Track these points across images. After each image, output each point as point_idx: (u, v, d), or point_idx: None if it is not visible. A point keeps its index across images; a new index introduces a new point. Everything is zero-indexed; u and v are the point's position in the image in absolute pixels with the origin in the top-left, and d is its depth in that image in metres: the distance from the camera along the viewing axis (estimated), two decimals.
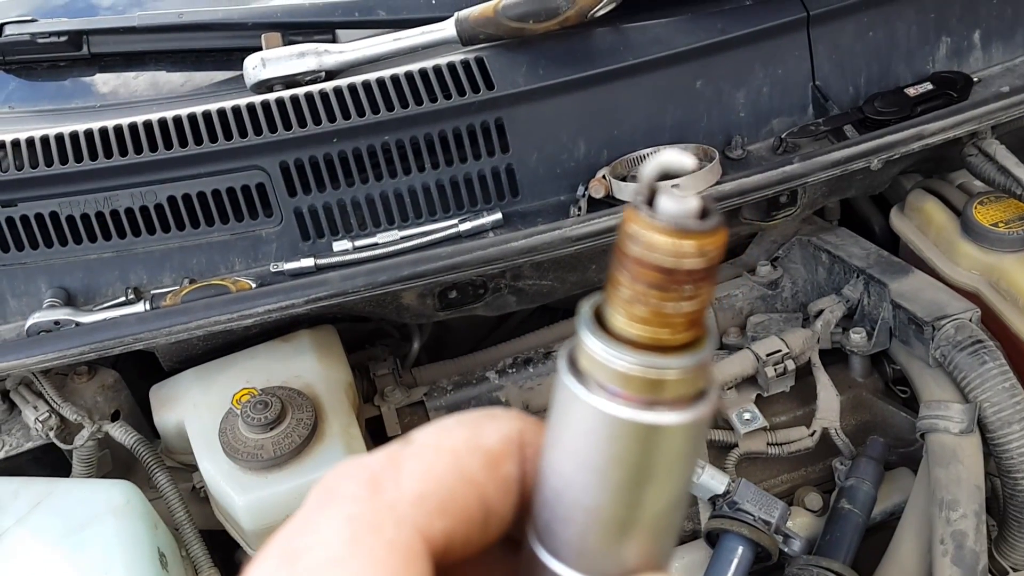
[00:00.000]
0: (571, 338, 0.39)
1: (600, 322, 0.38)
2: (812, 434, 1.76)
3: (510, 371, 1.91)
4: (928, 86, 1.80)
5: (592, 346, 0.37)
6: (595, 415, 0.38)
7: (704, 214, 0.36)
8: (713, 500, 1.65)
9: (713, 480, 1.64)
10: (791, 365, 1.81)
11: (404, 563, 0.38)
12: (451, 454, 0.41)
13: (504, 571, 0.46)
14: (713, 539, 1.64)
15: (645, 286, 0.36)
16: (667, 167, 0.37)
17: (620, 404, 0.37)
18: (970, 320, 1.69)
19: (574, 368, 0.39)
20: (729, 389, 1.82)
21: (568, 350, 0.39)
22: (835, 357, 1.89)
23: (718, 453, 1.76)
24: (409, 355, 2.00)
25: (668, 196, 0.36)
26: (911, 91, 1.79)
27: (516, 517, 0.43)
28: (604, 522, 0.40)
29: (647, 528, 0.40)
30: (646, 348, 0.37)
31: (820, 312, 1.87)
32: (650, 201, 0.37)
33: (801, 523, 1.69)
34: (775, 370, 1.80)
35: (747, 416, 1.78)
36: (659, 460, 0.38)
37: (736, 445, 1.76)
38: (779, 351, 1.80)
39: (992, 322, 1.74)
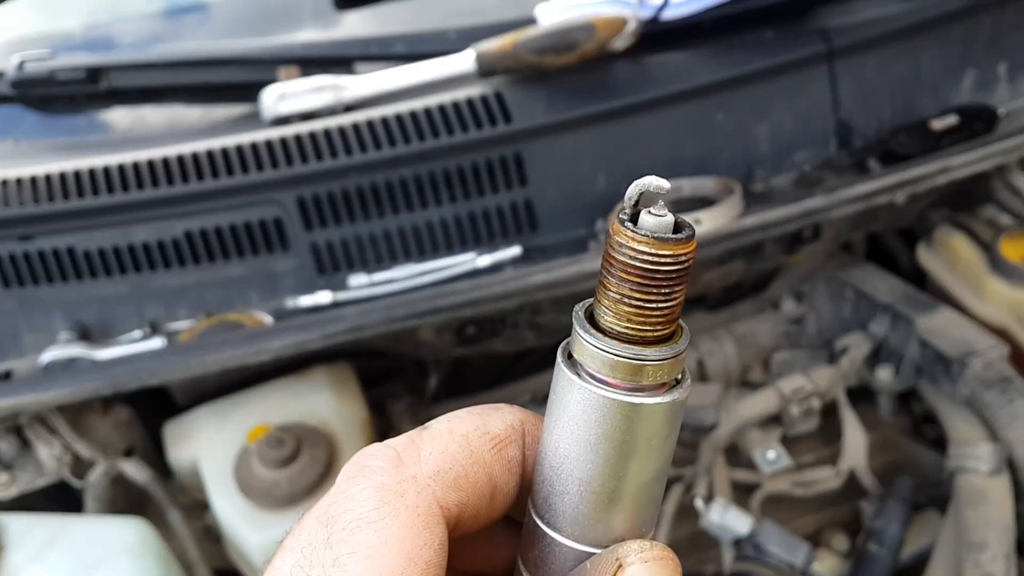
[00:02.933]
0: (568, 336, 0.46)
1: (591, 320, 0.45)
2: (838, 474, 1.72)
3: (530, 407, 1.88)
4: (953, 119, 1.77)
5: (585, 339, 0.44)
6: (588, 397, 0.45)
7: (678, 228, 0.43)
8: (737, 542, 1.61)
9: (737, 521, 1.60)
10: (816, 403, 1.77)
11: (424, 524, 0.44)
12: (463, 437, 0.48)
13: (505, 545, 0.54)
14: None
15: (629, 287, 0.43)
16: (646, 187, 0.43)
17: (608, 388, 0.45)
18: (998, 357, 1.66)
19: (569, 359, 0.46)
20: (752, 428, 1.79)
21: (564, 344, 0.47)
22: (861, 395, 1.85)
23: (742, 494, 1.72)
24: (426, 391, 1.98)
25: (647, 213, 0.43)
26: (936, 124, 1.76)
27: (518, 496, 0.50)
28: (595, 493, 0.47)
29: (632, 499, 0.47)
30: (630, 341, 0.44)
31: (846, 349, 1.83)
32: (634, 218, 0.43)
33: (827, 565, 1.65)
34: (800, 408, 1.76)
35: (771, 456, 1.75)
36: (642, 436, 0.45)
37: (760, 485, 1.73)
38: (804, 389, 1.76)
39: (1021, 359, 1.70)
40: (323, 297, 1.65)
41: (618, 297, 0.43)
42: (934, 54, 1.83)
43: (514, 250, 1.68)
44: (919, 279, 1.95)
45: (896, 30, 1.80)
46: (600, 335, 0.44)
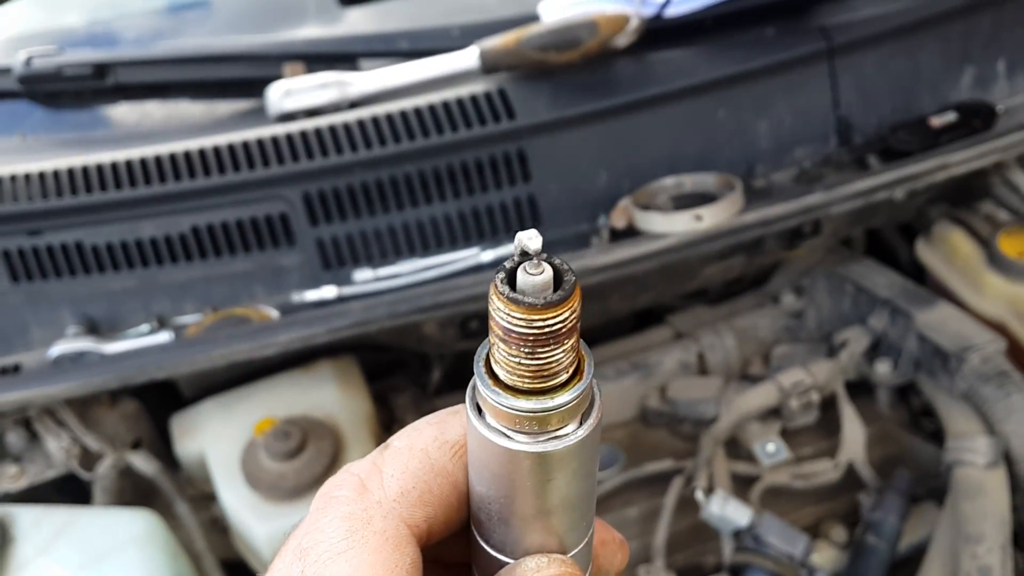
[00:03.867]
0: (472, 380, 0.46)
1: (490, 368, 0.44)
2: (837, 467, 1.74)
3: None
4: (952, 116, 1.79)
5: (484, 392, 0.44)
6: (490, 445, 0.44)
7: (558, 284, 0.41)
8: (736, 533, 1.63)
9: (736, 513, 1.62)
10: (816, 397, 1.79)
11: (394, 547, 0.45)
12: (423, 452, 0.48)
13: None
14: (737, 572, 1.62)
15: (509, 346, 0.42)
16: (522, 244, 0.41)
17: (508, 438, 0.44)
18: (996, 352, 1.68)
19: (476, 407, 0.45)
20: (752, 421, 1.81)
21: (471, 391, 0.46)
22: (860, 389, 1.87)
23: (742, 486, 1.74)
24: (429, 384, 1.99)
25: (523, 271, 0.41)
26: (935, 121, 1.78)
27: None
28: (509, 517, 0.47)
29: (546, 521, 0.47)
30: (524, 393, 0.43)
31: (845, 343, 1.85)
32: (511, 275, 0.41)
33: (825, 557, 1.67)
34: (799, 402, 1.78)
35: (771, 448, 1.76)
36: (555, 475, 0.45)
37: (760, 478, 1.75)
38: (803, 382, 1.78)
39: (1018, 353, 1.72)
40: (328, 292, 1.67)
41: (503, 354, 0.42)
42: (933, 51, 1.84)
43: None
44: (918, 274, 1.96)
45: (896, 27, 1.82)
46: (495, 387, 0.43)
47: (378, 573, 0.44)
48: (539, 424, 0.43)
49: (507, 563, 0.49)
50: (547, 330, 0.41)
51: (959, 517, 1.56)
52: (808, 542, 1.59)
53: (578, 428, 0.44)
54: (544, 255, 0.41)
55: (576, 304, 0.41)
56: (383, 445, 0.50)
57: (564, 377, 0.43)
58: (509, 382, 0.43)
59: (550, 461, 0.44)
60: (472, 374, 0.46)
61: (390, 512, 0.47)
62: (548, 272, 0.41)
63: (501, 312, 0.41)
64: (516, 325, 0.41)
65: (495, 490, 0.47)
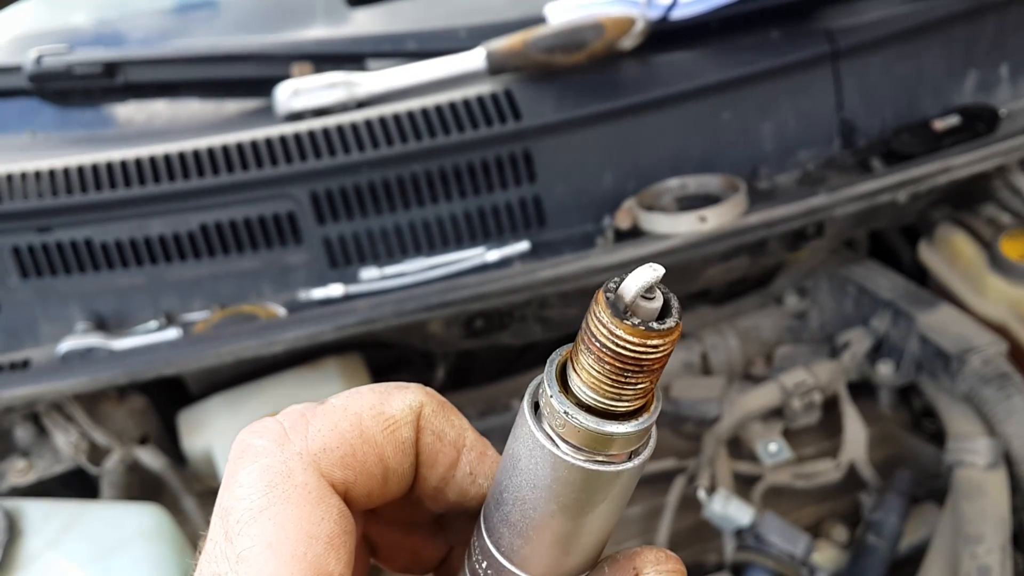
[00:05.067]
0: (537, 379, 0.46)
1: (563, 375, 0.44)
2: (838, 467, 1.76)
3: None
4: (955, 119, 1.80)
5: (553, 400, 0.43)
6: (545, 454, 0.44)
7: (665, 313, 0.42)
8: (738, 532, 1.65)
9: (738, 512, 1.63)
10: (818, 397, 1.80)
11: (317, 499, 0.44)
12: (356, 416, 0.47)
13: (431, 546, 0.56)
14: (738, 571, 1.63)
15: (600, 364, 0.42)
16: (643, 280, 0.41)
17: (566, 451, 0.44)
18: (997, 354, 1.69)
19: (535, 409, 0.45)
20: (755, 421, 1.82)
21: (533, 390, 0.46)
22: (862, 390, 1.88)
23: (744, 485, 1.76)
24: (433, 382, 2.01)
25: (637, 296, 0.41)
26: (938, 124, 1.79)
27: (412, 476, 0.50)
28: (540, 534, 0.47)
29: (573, 545, 0.48)
30: (595, 412, 0.43)
31: (847, 344, 1.87)
32: (621, 295, 0.42)
33: (826, 556, 1.68)
34: (802, 402, 1.79)
35: (773, 448, 1.78)
36: (592, 498, 0.45)
37: (762, 477, 1.76)
38: (806, 383, 1.80)
39: (1019, 355, 1.73)
40: (335, 290, 1.68)
41: (589, 368, 0.42)
42: (937, 55, 1.86)
43: (522, 245, 1.71)
44: (920, 276, 1.98)
45: (900, 31, 1.83)
46: (569, 400, 0.43)
47: (304, 527, 0.43)
48: (596, 444, 0.44)
49: (508, 567, 0.49)
50: (648, 355, 0.41)
51: (959, 517, 1.57)
52: (809, 541, 1.61)
53: (630, 459, 0.45)
54: (662, 286, 0.42)
55: (676, 338, 0.42)
56: (319, 401, 0.49)
57: (638, 405, 0.44)
58: (587, 399, 0.43)
59: (594, 483, 0.45)
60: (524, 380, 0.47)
61: (310, 465, 0.45)
62: (659, 301, 0.41)
63: (606, 328, 0.41)
64: (619, 345, 0.41)
65: (531, 501, 0.46)
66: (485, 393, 1.98)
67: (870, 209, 1.74)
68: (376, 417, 0.48)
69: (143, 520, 1.52)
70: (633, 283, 0.41)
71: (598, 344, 0.41)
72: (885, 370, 1.83)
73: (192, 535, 1.61)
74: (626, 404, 0.43)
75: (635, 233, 1.69)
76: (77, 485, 1.72)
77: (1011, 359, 1.70)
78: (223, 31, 2.24)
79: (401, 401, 0.49)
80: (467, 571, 0.52)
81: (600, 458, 0.44)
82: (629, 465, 0.45)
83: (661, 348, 0.41)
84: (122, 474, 1.67)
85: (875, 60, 1.82)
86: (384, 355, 1.97)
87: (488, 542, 0.50)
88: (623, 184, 1.76)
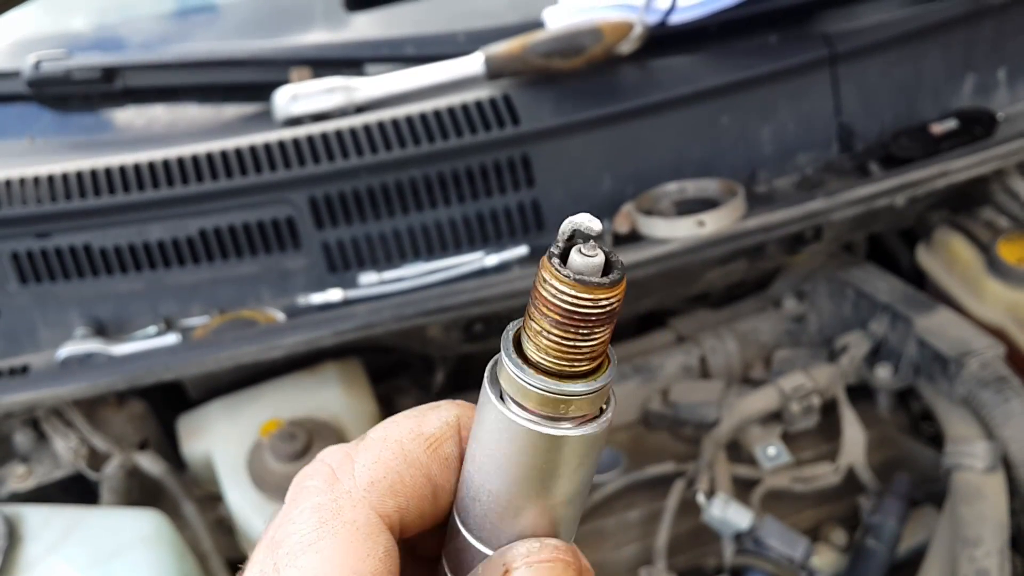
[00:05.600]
0: (497, 356, 0.47)
1: (517, 345, 0.45)
2: (837, 470, 1.76)
3: None
4: (953, 123, 1.80)
5: (508, 366, 0.45)
6: (506, 423, 0.45)
7: (608, 270, 0.43)
8: (737, 536, 1.65)
9: (737, 516, 1.63)
10: (816, 401, 1.81)
11: (365, 536, 0.46)
12: (397, 443, 0.49)
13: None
14: (738, 574, 1.64)
15: (551, 324, 0.43)
16: (578, 226, 0.43)
17: (525, 417, 0.45)
18: (995, 357, 1.69)
19: (494, 381, 0.46)
20: (754, 425, 1.82)
21: (493, 362, 0.47)
22: (860, 393, 1.89)
23: (743, 489, 1.76)
24: (432, 387, 2.01)
25: (577, 252, 0.43)
26: (936, 128, 1.80)
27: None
28: (503, 505, 0.48)
29: (539, 515, 0.48)
30: (551, 374, 0.44)
31: (846, 347, 1.87)
32: (564, 254, 0.43)
33: (826, 559, 1.69)
34: (800, 406, 1.80)
35: (772, 452, 1.78)
36: (554, 463, 0.46)
37: (761, 481, 1.76)
38: (804, 386, 1.80)
39: (1017, 359, 1.74)
40: (334, 295, 1.68)
41: (540, 330, 0.43)
42: (935, 59, 1.86)
43: (521, 250, 1.71)
44: (918, 280, 1.98)
45: (898, 35, 1.83)
46: (523, 364, 0.44)
47: (349, 563, 0.45)
48: (554, 407, 0.45)
49: (482, 551, 0.50)
50: (595, 310, 0.42)
51: (958, 521, 1.57)
52: (808, 545, 1.61)
53: (596, 420, 0.46)
54: (600, 240, 0.43)
55: (623, 291, 0.43)
56: (360, 436, 0.51)
57: (593, 365, 0.45)
58: (541, 362, 0.44)
59: (555, 447, 0.46)
60: (478, 371, 0.47)
61: (360, 501, 0.47)
62: (601, 256, 0.43)
63: (552, 287, 0.42)
64: (565, 302, 0.42)
65: (498, 476, 0.47)
66: None
67: (868, 213, 1.74)
68: (416, 439, 0.49)
69: (143, 525, 1.52)
70: (567, 224, 0.43)
71: (545, 304, 0.43)
72: (883, 373, 1.83)
73: (192, 540, 1.62)
74: (580, 364, 0.44)
75: (634, 237, 1.69)
76: (77, 491, 1.72)
77: (1009, 363, 1.71)
78: (222, 36, 2.25)
79: (437, 419, 0.50)
80: (443, 558, 0.53)
81: (562, 423, 0.45)
82: (582, 431, 0.46)
83: (606, 302, 0.42)
84: (122, 479, 1.67)
85: (873, 64, 1.83)
86: (383, 359, 1.98)
87: (457, 520, 0.51)
88: (622, 188, 1.76)
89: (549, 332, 0.43)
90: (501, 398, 0.46)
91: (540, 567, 0.47)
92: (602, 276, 0.43)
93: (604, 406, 0.47)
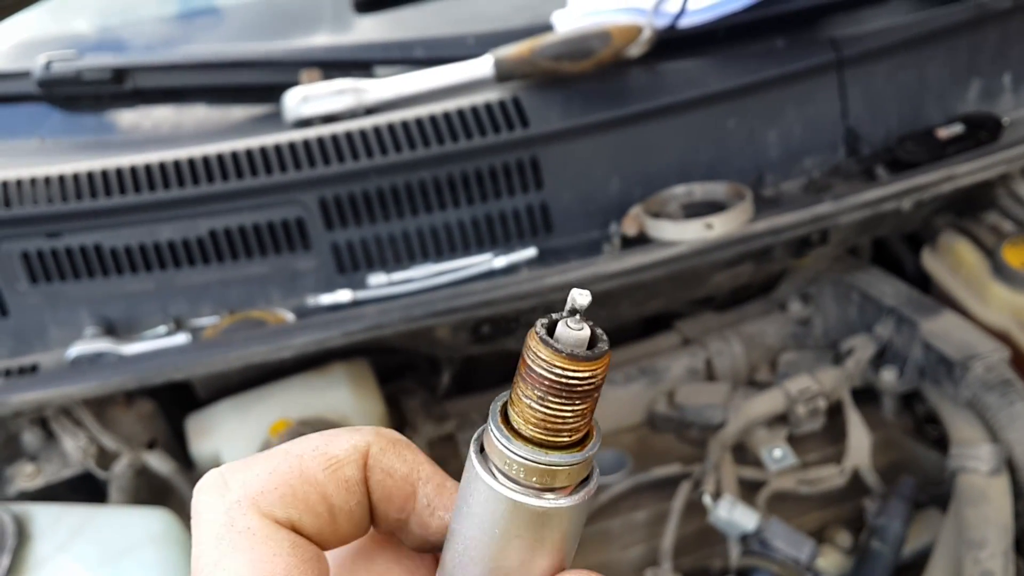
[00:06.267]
0: (484, 426, 0.47)
1: (505, 417, 0.46)
2: (842, 473, 1.77)
3: None
4: (959, 127, 1.81)
5: (496, 437, 0.46)
6: (493, 495, 0.46)
7: (593, 343, 0.44)
8: (743, 537, 1.66)
9: (744, 517, 1.64)
10: (822, 403, 1.81)
11: (264, 539, 0.45)
12: (296, 457, 0.48)
13: None
14: None
15: (538, 395, 0.44)
16: (573, 302, 0.44)
17: (513, 489, 0.46)
18: (1000, 361, 1.70)
19: (481, 452, 0.47)
20: (759, 427, 1.83)
21: (478, 434, 0.48)
22: (866, 396, 1.90)
23: (748, 491, 1.77)
24: (439, 388, 2.02)
25: (564, 326, 0.44)
26: (942, 132, 1.81)
27: (367, 515, 0.51)
28: (485, 572, 0.48)
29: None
30: (537, 445, 0.45)
31: (851, 350, 1.88)
32: (551, 327, 0.44)
33: (831, 561, 1.69)
34: (806, 408, 1.80)
35: (777, 454, 1.79)
36: (543, 533, 0.47)
37: (766, 483, 1.77)
38: (810, 389, 1.81)
39: (1022, 362, 1.75)
40: (343, 296, 1.69)
41: (528, 402, 0.44)
42: (941, 64, 1.87)
43: (530, 251, 1.72)
44: (923, 283, 1.99)
45: (904, 40, 1.84)
46: (510, 435, 0.45)
47: (257, 569, 0.44)
48: (547, 479, 0.46)
49: None
50: (582, 382, 0.44)
51: (962, 523, 1.58)
52: (814, 547, 1.62)
53: (579, 490, 0.47)
54: (586, 317, 0.44)
55: (606, 366, 0.45)
56: (265, 450, 0.50)
57: (578, 436, 0.46)
58: (527, 433, 0.45)
59: (544, 518, 0.47)
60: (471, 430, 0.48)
61: (250, 508, 0.46)
62: (587, 331, 0.44)
63: (539, 358, 0.44)
64: (554, 374, 0.44)
65: (481, 544, 0.48)
66: (489, 398, 1.98)
67: (875, 217, 1.75)
68: (318, 457, 0.49)
69: (152, 524, 1.52)
70: (566, 312, 0.44)
71: (533, 375, 0.44)
72: (888, 376, 1.84)
73: None
74: (566, 436, 0.45)
75: (642, 240, 1.70)
76: (85, 489, 1.72)
77: (1014, 366, 1.72)
78: (225, 39, 2.25)
79: (346, 442, 0.50)
80: None
81: (545, 494, 0.46)
82: (569, 501, 0.47)
83: (592, 375, 0.44)
84: (130, 478, 1.68)
85: (880, 69, 1.84)
86: (389, 360, 1.98)
87: None
88: (630, 191, 1.77)
89: (536, 403, 0.44)
90: (487, 468, 0.47)
91: None
92: (588, 349, 0.44)
93: (588, 476, 0.48)
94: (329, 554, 0.50)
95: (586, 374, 0.44)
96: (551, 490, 0.46)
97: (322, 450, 0.49)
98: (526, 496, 0.46)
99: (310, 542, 0.47)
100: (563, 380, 0.44)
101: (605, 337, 0.45)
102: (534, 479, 0.46)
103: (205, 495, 0.47)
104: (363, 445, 0.50)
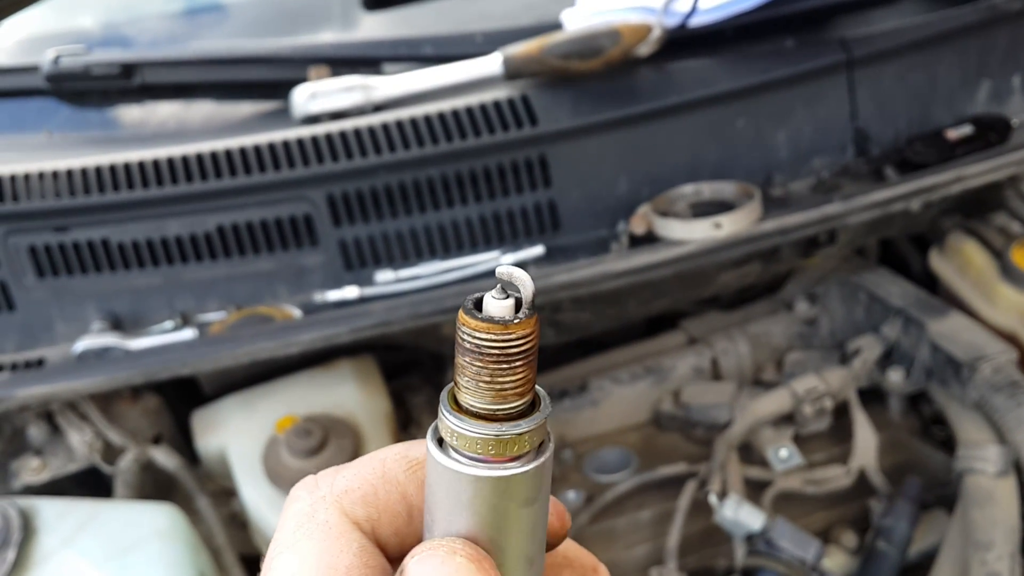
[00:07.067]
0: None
1: (454, 401, 0.48)
2: (849, 473, 1.76)
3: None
4: (968, 129, 1.81)
5: (446, 418, 0.47)
6: (463, 479, 0.47)
7: (518, 309, 0.46)
8: (749, 537, 1.65)
9: (749, 517, 1.64)
10: (829, 403, 1.81)
11: (337, 534, 0.48)
12: (380, 460, 0.51)
13: None
14: None
15: (472, 368, 0.46)
16: (502, 276, 0.46)
17: (481, 467, 0.47)
18: (1008, 362, 1.70)
19: (437, 438, 0.49)
20: (766, 426, 1.83)
21: (432, 428, 0.49)
22: (872, 396, 1.89)
23: (754, 490, 1.76)
24: (443, 384, 2.01)
25: (489, 298, 0.46)
26: (951, 133, 1.80)
27: None
28: None
29: (498, 554, 0.49)
30: (486, 418, 0.47)
31: (858, 350, 1.88)
32: (478, 302, 0.46)
33: (837, 561, 1.69)
34: (813, 408, 1.80)
35: (784, 454, 1.79)
36: (518, 500, 0.48)
37: (772, 483, 1.77)
38: (817, 389, 1.81)
39: None
40: (350, 292, 1.69)
41: (468, 379, 0.46)
42: (951, 65, 1.87)
43: (537, 250, 1.72)
44: (930, 284, 1.99)
45: (914, 41, 1.84)
46: (459, 413, 0.47)
47: (324, 559, 0.47)
48: (498, 448, 0.47)
49: None
50: (506, 347, 0.45)
51: (969, 524, 1.58)
52: (820, 547, 1.61)
53: (534, 456, 0.48)
54: (512, 287, 0.46)
55: (531, 330, 0.46)
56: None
57: (522, 405, 0.47)
58: (472, 408, 0.47)
59: (506, 487, 0.47)
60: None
61: (332, 505, 0.49)
62: (511, 300, 0.46)
63: (465, 331, 0.45)
64: (479, 341, 0.45)
65: (452, 524, 0.49)
66: None
67: (883, 217, 1.75)
68: (400, 460, 0.52)
69: (158, 520, 1.52)
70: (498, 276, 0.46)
71: (463, 349, 0.46)
72: (895, 377, 1.84)
73: (206, 535, 1.62)
74: (509, 405, 0.47)
75: (650, 239, 1.70)
76: (90, 484, 1.72)
77: (1022, 368, 1.72)
78: (230, 36, 2.25)
79: (424, 446, 0.52)
80: None
81: (500, 464, 0.47)
82: (527, 467, 0.48)
83: (519, 339, 0.45)
84: (136, 473, 1.67)
85: (889, 69, 1.83)
86: (394, 356, 1.98)
87: None
88: (638, 190, 1.77)
89: (473, 377, 0.46)
90: (444, 452, 0.48)
91: (425, 557, 0.48)
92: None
93: (542, 444, 0.49)
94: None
95: (512, 338, 0.45)
96: (516, 458, 0.47)
97: (403, 453, 0.52)
98: (486, 469, 0.47)
99: (380, 551, 0.50)
100: (491, 347, 0.45)
101: (533, 302, 0.46)
102: (499, 451, 0.47)
103: (298, 490, 0.51)
104: None
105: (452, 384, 0.48)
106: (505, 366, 0.45)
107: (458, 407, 0.47)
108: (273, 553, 0.49)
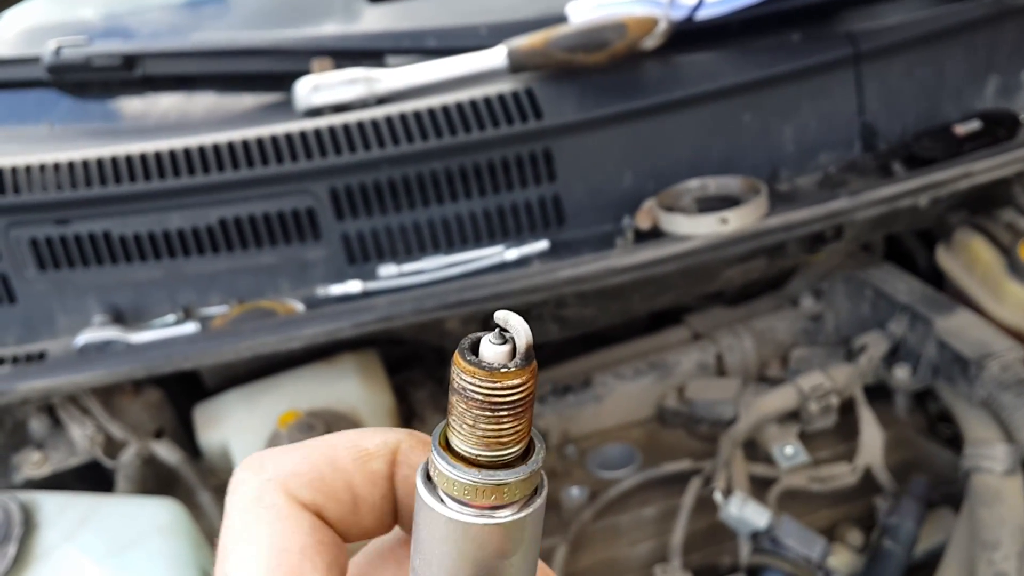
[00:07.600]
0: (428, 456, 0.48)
1: (446, 444, 0.46)
2: (854, 471, 1.75)
3: (549, 398, 1.92)
4: (976, 124, 1.80)
5: (439, 463, 0.45)
6: (442, 520, 0.46)
7: (514, 356, 0.44)
8: (754, 535, 1.64)
9: (755, 515, 1.63)
10: (834, 400, 1.80)
11: (286, 515, 0.47)
12: (330, 447, 0.50)
13: None
14: (754, 573, 1.63)
15: (471, 415, 0.44)
16: (499, 320, 0.44)
17: (461, 511, 0.46)
18: (1016, 360, 1.68)
19: (428, 480, 0.47)
20: (771, 423, 1.82)
21: (424, 463, 0.48)
22: (878, 393, 1.88)
23: (759, 488, 1.75)
24: (446, 379, 2.00)
25: (486, 342, 0.44)
26: (959, 129, 1.79)
27: (391, 512, 0.52)
28: None
29: None
30: (480, 465, 0.45)
31: (864, 347, 1.86)
32: (475, 346, 0.44)
33: (842, 560, 1.68)
34: (818, 405, 1.79)
35: (789, 451, 1.77)
36: (499, 551, 0.47)
37: (778, 480, 1.76)
38: (823, 386, 1.79)
39: None
40: (353, 286, 1.68)
41: (463, 424, 0.44)
42: (958, 60, 1.85)
43: (541, 244, 1.71)
44: (936, 280, 1.97)
45: (922, 35, 1.83)
46: (451, 458, 0.45)
47: (275, 543, 0.46)
48: (487, 496, 0.45)
49: None
50: (504, 395, 0.44)
51: (976, 523, 1.57)
52: (825, 545, 1.60)
53: (527, 503, 0.47)
54: (508, 333, 0.44)
55: (530, 377, 0.44)
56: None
57: (516, 452, 0.46)
58: (464, 453, 0.45)
59: (497, 536, 0.46)
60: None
61: (279, 487, 0.48)
62: (509, 345, 0.44)
63: (462, 377, 0.44)
64: (476, 389, 0.43)
65: (427, 563, 0.48)
66: None
67: (890, 213, 1.74)
68: (350, 448, 0.50)
69: (159, 514, 1.51)
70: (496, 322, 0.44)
71: (460, 395, 0.44)
72: (902, 374, 1.83)
73: (208, 529, 1.61)
74: (503, 452, 0.45)
75: (655, 234, 1.68)
76: (92, 478, 1.71)
77: None
78: (230, 27, 2.24)
79: (379, 437, 0.51)
80: None
81: (491, 511, 0.46)
82: (520, 514, 0.46)
83: (517, 388, 0.44)
84: (138, 468, 1.67)
85: (897, 64, 1.82)
86: (396, 351, 1.97)
87: None
88: (643, 184, 1.76)
89: (469, 423, 0.44)
90: (436, 495, 0.47)
91: None
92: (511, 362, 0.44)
93: (535, 492, 0.48)
94: (358, 554, 0.52)
95: (500, 387, 0.43)
96: (499, 507, 0.46)
97: (354, 441, 0.50)
98: (475, 517, 0.46)
99: (331, 528, 0.49)
100: (488, 395, 0.43)
101: (530, 350, 0.44)
102: (475, 498, 0.45)
103: (243, 471, 0.50)
104: (394, 442, 0.52)
105: (444, 425, 0.47)
106: (489, 414, 0.44)
107: (446, 445, 0.46)
108: (227, 540, 0.47)
